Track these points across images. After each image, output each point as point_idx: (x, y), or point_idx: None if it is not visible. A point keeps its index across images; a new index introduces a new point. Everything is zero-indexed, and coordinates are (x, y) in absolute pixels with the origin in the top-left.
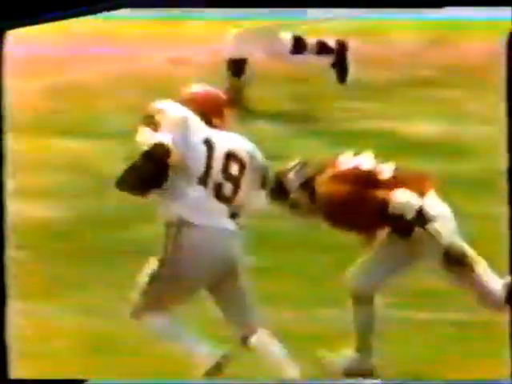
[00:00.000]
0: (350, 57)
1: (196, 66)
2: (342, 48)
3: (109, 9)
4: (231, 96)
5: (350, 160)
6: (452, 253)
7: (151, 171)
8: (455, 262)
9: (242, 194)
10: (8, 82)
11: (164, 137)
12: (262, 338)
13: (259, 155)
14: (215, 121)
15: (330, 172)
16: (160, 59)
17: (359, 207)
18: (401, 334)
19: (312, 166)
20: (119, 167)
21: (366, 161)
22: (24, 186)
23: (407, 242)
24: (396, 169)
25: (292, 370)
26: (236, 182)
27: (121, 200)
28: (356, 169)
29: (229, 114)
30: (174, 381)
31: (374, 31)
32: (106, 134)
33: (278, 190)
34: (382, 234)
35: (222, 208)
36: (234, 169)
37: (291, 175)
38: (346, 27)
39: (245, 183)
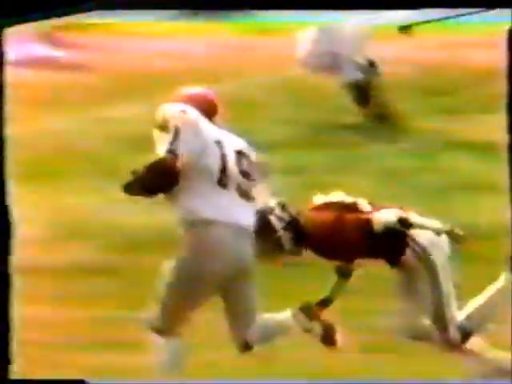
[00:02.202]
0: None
1: None
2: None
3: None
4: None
5: (326, 198)
6: (451, 237)
7: (157, 181)
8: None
9: (257, 189)
10: None
11: (173, 146)
12: None
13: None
14: (215, 120)
15: (312, 205)
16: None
17: (344, 232)
18: None
19: (292, 206)
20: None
21: (343, 197)
22: None
23: (401, 271)
24: (371, 203)
25: None
26: (250, 177)
27: None
28: (338, 201)
29: (221, 113)
30: (173, 381)
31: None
32: (261, 145)
33: (264, 229)
34: (372, 262)
35: (246, 204)
36: (246, 165)
37: (276, 214)
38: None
39: (256, 178)
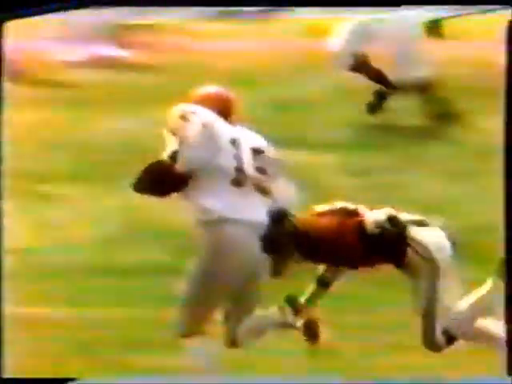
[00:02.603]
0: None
1: None
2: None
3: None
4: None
5: (328, 206)
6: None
7: (153, 183)
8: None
9: (275, 185)
10: None
11: (176, 150)
12: None
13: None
14: (231, 118)
15: (313, 212)
16: None
17: (344, 236)
18: None
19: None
20: (336, 179)
21: (344, 204)
22: None
23: (407, 272)
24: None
25: None
26: (268, 174)
27: None
28: (340, 207)
29: (237, 110)
30: (173, 380)
31: None
32: (322, 146)
33: (270, 242)
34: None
35: (263, 201)
36: (263, 162)
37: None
38: None
39: (274, 175)
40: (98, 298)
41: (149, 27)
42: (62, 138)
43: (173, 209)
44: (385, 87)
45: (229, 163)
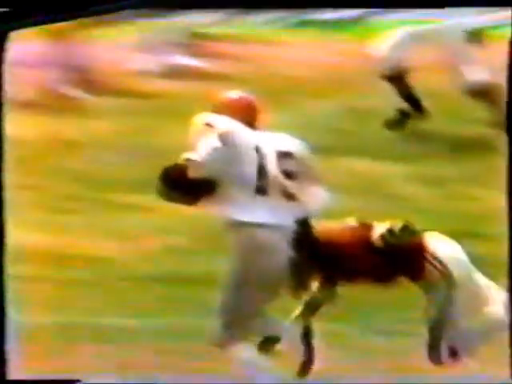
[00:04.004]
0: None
1: None
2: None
3: (131, 7)
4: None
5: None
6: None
7: (168, 189)
8: None
9: (305, 190)
10: None
11: (193, 156)
12: None
13: (306, 151)
14: (256, 123)
15: (327, 227)
16: None
17: (356, 251)
18: None
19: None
20: (411, 190)
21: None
22: None
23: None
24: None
25: None
26: (296, 178)
27: None
28: (353, 223)
29: (264, 115)
30: (172, 380)
31: None
32: (395, 157)
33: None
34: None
35: (289, 206)
36: (291, 165)
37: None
38: None
39: (304, 179)
40: (168, 306)
41: (223, 36)
42: (136, 146)
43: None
44: (412, 108)
45: (251, 170)
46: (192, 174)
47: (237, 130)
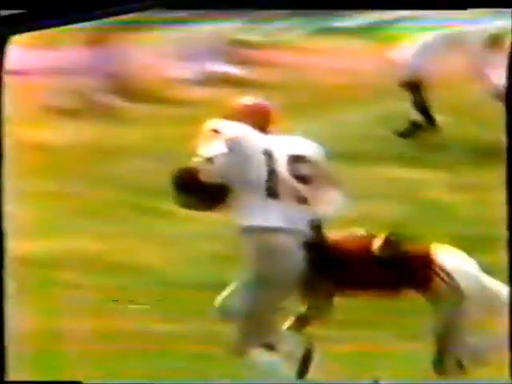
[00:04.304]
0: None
1: None
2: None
3: (139, 9)
4: None
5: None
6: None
7: (180, 194)
8: None
9: (319, 194)
10: None
11: (202, 159)
12: None
13: (322, 155)
14: (269, 128)
15: (337, 236)
16: None
17: (360, 260)
18: None
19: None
20: (444, 196)
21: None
22: None
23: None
24: None
25: None
26: (309, 182)
27: None
28: (361, 233)
29: (279, 119)
30: (173, 381)
31: None
32: (431, 162)
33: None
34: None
35: (301, 209)
36: (304, 169)
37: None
38: None
39: (318, 183)
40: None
41: (261, 44)
42: (174, 153)
43: None
44: (425, 119)
45: (260, 174)
46: (203, 177)
47: (245, 135)
